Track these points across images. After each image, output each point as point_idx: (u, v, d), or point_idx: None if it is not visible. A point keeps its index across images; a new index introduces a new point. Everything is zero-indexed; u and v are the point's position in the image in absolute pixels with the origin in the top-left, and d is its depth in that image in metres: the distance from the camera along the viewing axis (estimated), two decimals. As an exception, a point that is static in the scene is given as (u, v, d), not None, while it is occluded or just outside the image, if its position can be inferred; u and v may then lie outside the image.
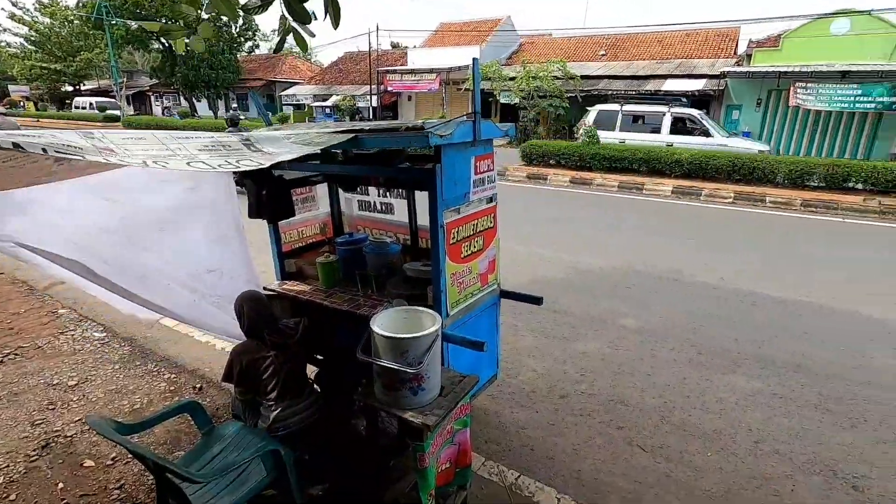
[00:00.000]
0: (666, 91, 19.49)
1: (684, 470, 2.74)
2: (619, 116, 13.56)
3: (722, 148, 12.13)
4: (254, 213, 2.96)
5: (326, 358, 3.10)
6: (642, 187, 10.77)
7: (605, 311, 4.77)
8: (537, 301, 2.81)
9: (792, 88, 17.05)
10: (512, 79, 19.66)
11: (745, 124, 18.97)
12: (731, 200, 9.80)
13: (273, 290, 2.99)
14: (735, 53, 21.14)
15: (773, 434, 3.03)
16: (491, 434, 3.03)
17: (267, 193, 2.89)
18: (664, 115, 13.06)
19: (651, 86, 19.93)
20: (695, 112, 13.48)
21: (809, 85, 16.79)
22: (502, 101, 21.58)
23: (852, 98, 16.30)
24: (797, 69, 16.91)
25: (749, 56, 19.36)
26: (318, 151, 2.22)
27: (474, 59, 2.23)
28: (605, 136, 13.41)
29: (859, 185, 9.71)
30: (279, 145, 2.13)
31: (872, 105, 16.27)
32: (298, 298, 2.88)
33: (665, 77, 20.23)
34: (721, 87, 18.83)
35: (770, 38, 19.19)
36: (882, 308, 4.81)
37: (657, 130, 13.14)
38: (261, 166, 1.81)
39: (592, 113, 14.24)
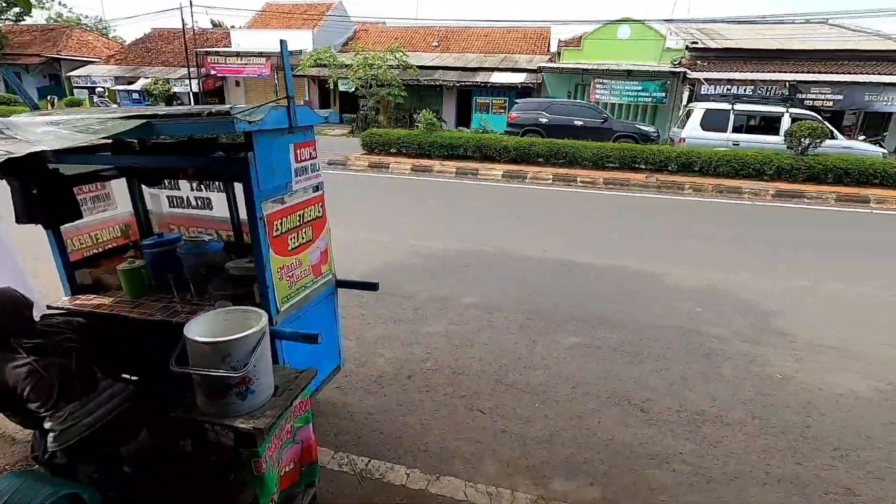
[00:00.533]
0: (493, 83, 21.09)
1: (517, 423, 3.06)
2: (731, 116, 12.17)
3: (847, 151, 11.65)
4: (24, 216, 2.43)
5: (141, 378, 2.72)
6: (477, 172, 11.57)
7: (448, 291, 5.04)
8: (373, 287, 2.85)
9: (592, 83, 19.84)
10: (348, 66, 19.31)
11: (559, 114, 21.51)
12: (550, 181, 11.11)
13: (61, 308, 2.51)
14: (548, 51, 23.75)
15: (585, 379, 3.55)
16: (340, 425, 3.01)
17: (39, 192, 2.39)
18: (782, 115, 12.10)
19: (480, 77, 21.35)
20: (814, 113, 12.63)
21: (605, 81, 19.70)
22: (341, 88, 21.09)
23: (636, 93, 19.60)
24: (595, 67, 19.69)
25: (559, 54, 21.91)
26: (96, 141, 1.91)
27: (282, 42, 2.13)
28: (715, 139, 12.11)
29: (643, 165, 11.79)
30: (41, 132, 1.77)
31: (650, 99, 19.77)
32: (96, 314, 2.46)
33: (492, 70, 21.84)
34: (539, 81, 21.02)
35: (575, 39, 21.97)
36: (661, 265, 5.94)
37: (774, 132, 12.19)
38: (10, 156, 1.49)
39: (698, 112, 12.53)
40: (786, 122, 12.01)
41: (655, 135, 15.16)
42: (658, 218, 8.51)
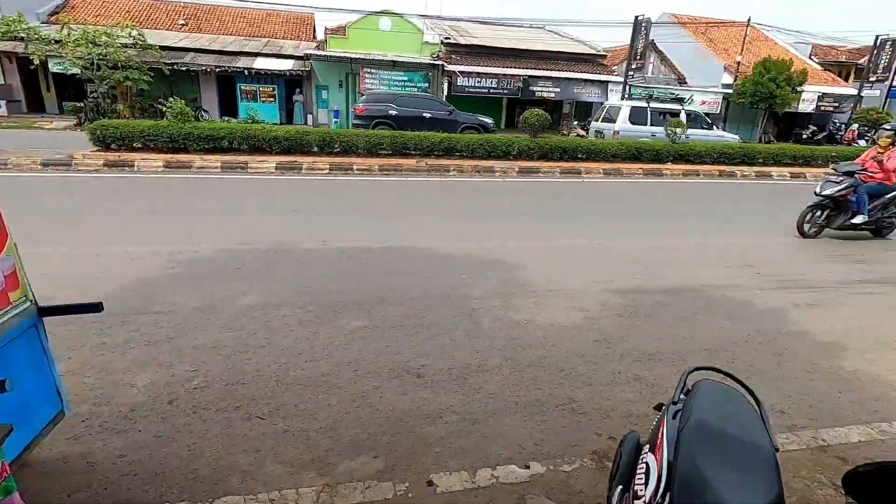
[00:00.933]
0: (258, 69, 19.66)
1: (300, 419, 2.98)
2: (649, 113, 15.81)
3: (719, 139, 15.75)
4: None
5: None
6: (246, 166, 10.70)
7: (218, 297, 4.57)
8: (95, 308, 2.37)
9: (361, 73, 20.22)
10: (59, 42, 15.50)
11: (334, 103, 21.41)
12: (327, 171, 11.00)
13: None
14: (314, 38, 23.21)
15: (367, 359, 3.66)
16: (76, 482, 2.46)
17: None
18: (680, 112, 16.07)
19: (242, 63, 19.68)
20: (700, 110, 17.93)
21: (373, 70, 20.29)
22: (55, 69, 16.89)
23: (403, 83, 20.71)
24: (362, 56, 20.08)
25: (326, 41, 21.61)
26: None
27: None
28: (640, 130, 15.39)
29: (414, 151, 12.61)
30: None
31: (416, 88, 21.13)
32: None
33: (255, 55, 20.34)
34: (308, 69, 20.44)
35: (340, 28, 21.94)
36: (431, 241, 6.48)
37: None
38: None
39: (625, 109, 15.78)
40: (683, 118, 15.85)
41: (492, 125, 17.26)
42: (428, 198, 9.25)
